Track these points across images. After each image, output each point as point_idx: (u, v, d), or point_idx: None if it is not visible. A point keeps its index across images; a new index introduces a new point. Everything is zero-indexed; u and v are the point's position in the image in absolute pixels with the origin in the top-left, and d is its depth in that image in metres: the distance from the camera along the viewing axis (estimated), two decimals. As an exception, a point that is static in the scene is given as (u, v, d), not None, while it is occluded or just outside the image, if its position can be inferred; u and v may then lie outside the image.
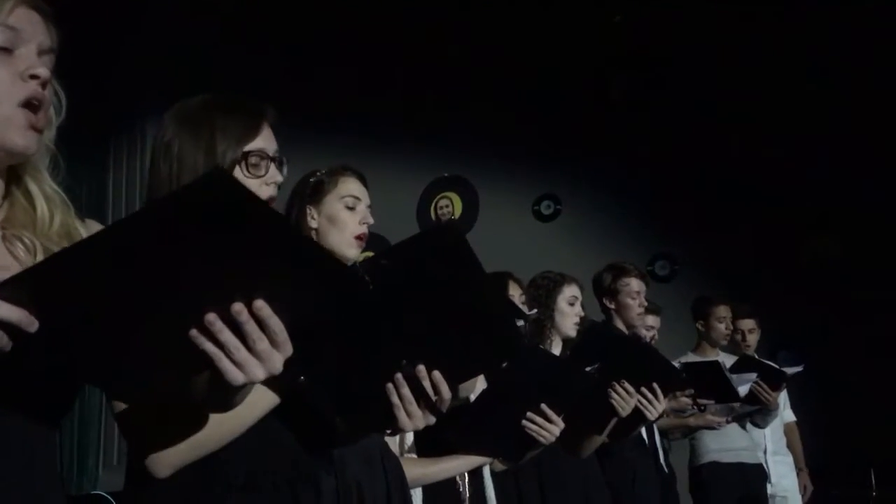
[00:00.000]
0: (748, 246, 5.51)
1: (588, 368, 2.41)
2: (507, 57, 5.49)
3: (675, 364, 3.33)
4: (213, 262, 0.85)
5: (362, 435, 1.67)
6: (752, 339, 4.42)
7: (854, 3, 4.86)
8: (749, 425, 4.19)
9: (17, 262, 1.00)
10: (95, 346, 0.87)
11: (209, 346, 0.90)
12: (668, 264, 5.92)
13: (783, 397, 4.38)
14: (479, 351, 1.46)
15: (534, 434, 2.23)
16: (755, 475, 4.17)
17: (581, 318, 2.96)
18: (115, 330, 0.86)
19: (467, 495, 2.28)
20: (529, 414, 2.22)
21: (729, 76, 5.36)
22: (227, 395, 1.11)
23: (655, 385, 2.75)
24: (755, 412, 4.07)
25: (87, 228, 1.11)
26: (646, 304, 3.48)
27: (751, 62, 5.33)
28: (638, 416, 2.75)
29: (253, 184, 1.30)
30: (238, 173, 1.31)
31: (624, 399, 2.68)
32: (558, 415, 2.23)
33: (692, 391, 3.45)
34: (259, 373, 0.93)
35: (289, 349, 0.94)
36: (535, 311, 2.87)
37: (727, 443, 4.08)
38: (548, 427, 2.23)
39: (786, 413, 4.55)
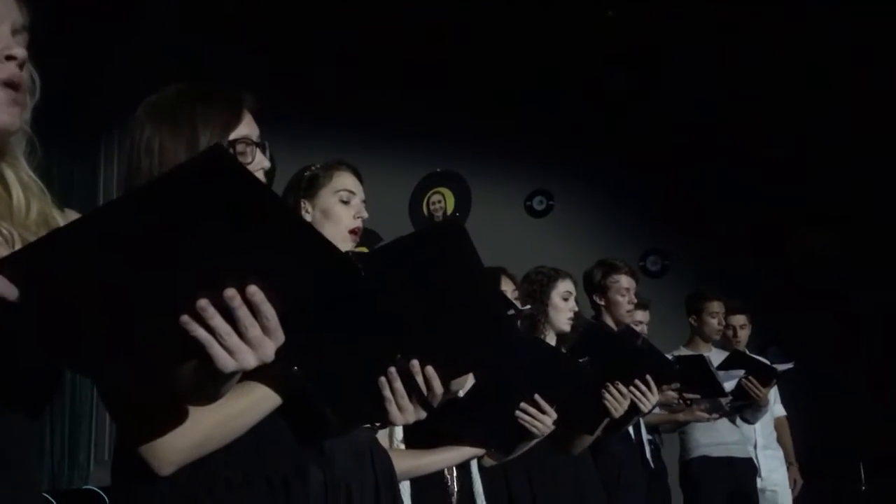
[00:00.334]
0: (739, 242, 5.53)
1: (581, 361, 2.41)
2: (501, 53, 5.49)
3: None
4: (207, 246, 0.83)
5: (353, 427, 1.67)
6: (743, 334, 4.44)
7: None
8: (738, 420, 4.21)
9: None
10: (83, 332, 0.85)
11: (200, 332, 0.88)
12: (660, 260, 5.94)
13: (773, 392, 4.40)
14: (473, 349, 1.46)
15: (527, 425, 2.23)
16: (745, 469, 4.19)
17: (575, 314, 2.97)
18: (103, 315, 0.84)
19: (455, 490, 2.27)
20: (523, 405, 2.22)
21: (723, 73, 5.36)
22: (216, 384, 1.09)
23: (649, 377, 2.76)
24: (745, 407, 4.09)
25: (66, 218, 1.09)
26: (635, 300, 3.49)
27: (745, 59, 5.34)
28: (632, 409, 2.76)
29: None
30: None
31: (618, 401, 2.69)
32: (551, 406, 2.23)
33: (678, 385, 3.46)
34: (250, 359, 0.91)
35: (281, 337, 0.92)
36: (529, 306, 2.87)
37: (717, 437, 4.09)
38: (541, 418, 2.23)
39: (776, 408, 4.57)
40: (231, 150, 1.28)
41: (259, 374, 1.24)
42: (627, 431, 3.34)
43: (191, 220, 0.80)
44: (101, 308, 0.83)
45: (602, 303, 3.42)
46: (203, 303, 0.87)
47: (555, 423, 2.26)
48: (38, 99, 1.05)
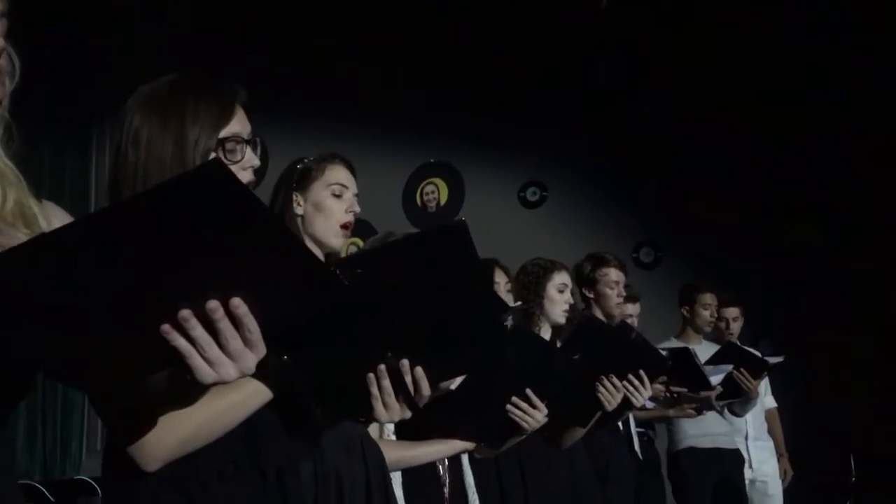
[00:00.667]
0: (732, 234, 5.53)
1: (574, 358, 2.41)
2: (496, 44, 5.47)
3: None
4: (193, 256, 0.82)
5: (338, 422, 1.65)
6: (736, 326, 4.46)
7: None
8: (727, 412, 4.22)
9: None
10: (62, 336, 0.83)
11: (181, 343, 0.87)
12: (653, 251, 5.94)
13: (765, 384, 4.42)
14: (464, 353, 1.45)
15: (517, 419, 2.23)
16: (733, 460, 4.21)
17: (571, 306, 2.96)
18: (83, 321, 0.82)
19: (447, 481, 2.27)
20: (514, 399, 2.22)
21: (713, 64, 5.36)
22: (194, 394, 1.08)
23: (642, 372, 2.77)
24: (734, 401, 4.10)
25: (43, 209, 1.06)
26: (624, 293, 3.49)
27: (735, 49, 5.34)
28: (624, 403, 2.76)
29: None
30: None
31: (611, 394, 2.69)
32: (542, 401, 2.23)
33: (665, 378, 3.47)
34: (231, 371, 0.90)
35: (262, 350, 0.91)
36: (520, 302, 2.86)
37: (704, 428, 4.10)
38: (531, 413, 2.22)
39: (767, 399, 4.59)
40: (220, 148, 1.27)
41: None
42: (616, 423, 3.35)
43: (179, 231, 0.79)
44: (81, 314, 0.82)
45: (591, 296, 3.43)
46: (185, 313, 0.86)
47: (546, 417, 2.26)
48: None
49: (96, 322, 0.83)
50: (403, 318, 1.32)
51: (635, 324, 3.92)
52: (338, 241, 1.83)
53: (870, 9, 4.79)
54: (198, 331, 0.87)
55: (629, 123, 5.61)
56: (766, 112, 5.40)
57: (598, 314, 3.41)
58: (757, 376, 3.93)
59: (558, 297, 2.92)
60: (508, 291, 2.83)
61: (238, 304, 0.87)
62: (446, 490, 2.26)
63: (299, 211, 1.84)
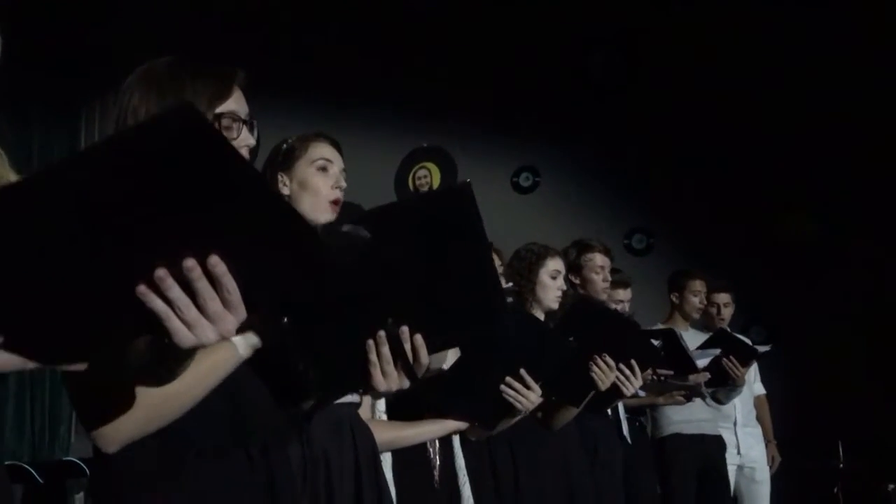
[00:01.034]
0: (724, 221, 5.54)
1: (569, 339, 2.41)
2: (489, 29, 5.45)
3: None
4: (167, 211, 0.76)
5: (334, 397, 1.61)
6: (727, 313, 4.46)
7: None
8: (710, 400, 4.23)
9: None
10: (28, 303, 0.77)
11: (158, 304, 0.83)
12: (645, 238, 5.94)
13: (753, 370, 4.43)
14: (465, 321, 1.42)
15: (511, 400, 2.23)
16: (716, 446, 4.22)
17: (563, 292, 2.96)
18: (51, 285, 0.77)
19: (438, 464, 2.26)
20: (508, 379, 2.21)
21: (707, 52, 5.35)
22: (174, 361, 1.05)
23: (633, 362, 2.78)
24: (719, 388, 4.11)
25: None
26: (610, 278, 3.50)
27: (729, 38, 5.32)
28: (614, 391, 2.77)
29: None
30: None
31: (604, 372, 2.70)
32: (536, 382, 2.23)
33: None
34: (210, 334, 0.86)
35: (242, 313, 0.87)
36: (511, 284, 2.86)
37: (689, 414, 4.10)
38: (525, 393, 2.22)
39: (756, 386, 4.61)
40: (216, 124, 1.25)
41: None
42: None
43: (149, 182, 0.74)
44: (50, 278, 0.76)
45: (577, 281, 3.44)
46: (161, 273, 0.81)
47: (540, 398, 2.26)
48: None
49: (66, 286, 0.77)
50: (406, 281, 1.28)
51: (626, 309, 3.93)
52: (326, 218, 1.82)
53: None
54: (175, 291, 0.83)
55: (623, 110, 5.60)
56: (759, 100, 5.40)
57: (585, 300, 3.41)
58: (745, 364, 3.95)
59: (551, 283, 2.92)
60: (501, 276, 2.83)
61: (216, 262, 0.83)
62: (436, 472, 2.25)
63: (285, 191, 1.84)
